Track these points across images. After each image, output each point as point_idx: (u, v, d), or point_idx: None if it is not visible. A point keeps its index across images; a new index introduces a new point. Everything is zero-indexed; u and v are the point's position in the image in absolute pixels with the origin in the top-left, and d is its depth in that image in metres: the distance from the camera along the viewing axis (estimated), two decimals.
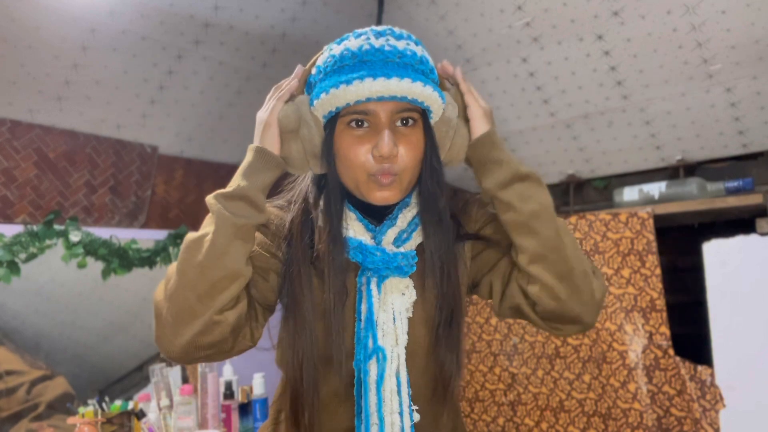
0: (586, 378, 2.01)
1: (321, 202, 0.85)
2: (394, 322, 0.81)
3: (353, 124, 0.78)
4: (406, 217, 0.84)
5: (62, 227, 1.92)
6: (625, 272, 1.96)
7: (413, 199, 0.86)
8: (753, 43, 1.73)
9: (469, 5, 2.06)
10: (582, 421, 2.01)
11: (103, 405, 1.71)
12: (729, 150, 2.00)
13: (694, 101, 1.94)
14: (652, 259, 1.91)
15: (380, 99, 0.75)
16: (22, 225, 1.85)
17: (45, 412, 1.73)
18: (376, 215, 0.85)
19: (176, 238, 2.25)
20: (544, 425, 2.09)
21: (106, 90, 1.92)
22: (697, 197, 1.92)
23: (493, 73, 2.21)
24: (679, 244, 2.16)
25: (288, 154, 0.82)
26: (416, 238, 0.84)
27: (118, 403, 1.72)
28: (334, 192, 0.82)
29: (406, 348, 0.82)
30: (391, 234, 0.83)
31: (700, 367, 1.83)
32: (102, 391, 1.99)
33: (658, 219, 1.95)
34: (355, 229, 0.83)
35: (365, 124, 0.78)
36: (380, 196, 0.79)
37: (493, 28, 2.08)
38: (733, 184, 1.87)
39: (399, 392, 0.81)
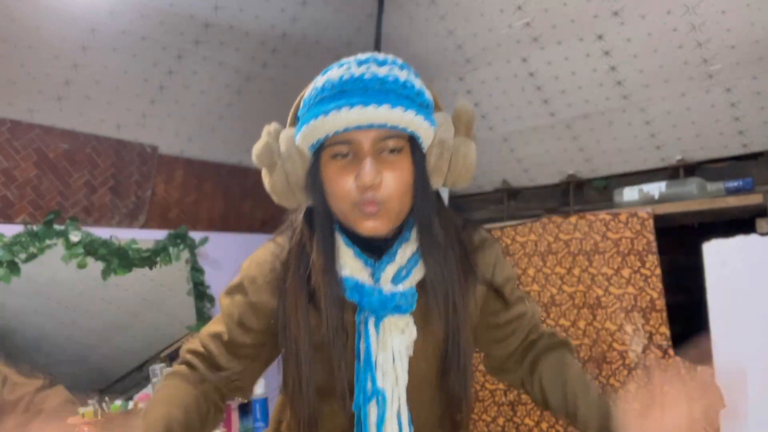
0: None
1: (315, 235, 0.83)
2: (394, 362, 0.80)
3: (337, 154, 0.76)
4: (405, 252, 0.81)
5: (62, 227, 1.92)
6: (625, 272, 1.96)
7: (413, 234, 0.83)
8: (753, 43, 1.73)
9: (469, 5, 2.06)
10: None
11: (103, 405, 1.70)
12: (729, 150, 2.00)
13: (694, 101, 1.94)
14: (652, 259, 1.91)
15: (358, 128, 0.73)
16: (22, 225, 1.85)
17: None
18: (375, 250, 0.82)
19: (176, 238, 2.25)
20: (544, 425, 2.09)
21: (106, 90, 1.92)
22: (697, 197, 1.92)
23: (493, 73, 2.21)
24: (679, 244, 2.16)
25: (272, 186, 0.81)
26: (416, 274, 0.82)
27: (118, 403, 1.72)
28: (324, 225, 0.81)
29: (407, 387, 0.81)
30: (389, 271, 0.80)
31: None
32: (102, 391, 1.99)
33: (658, 219, 1.95)
34: (351, 266, 0.80)
35: (349, 154, 0.76)
36: (368, 227, 0.77)
37: (493, 28, 2.08)
38: (733, 184, 1.87)
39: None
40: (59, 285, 1.93)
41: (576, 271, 2.06)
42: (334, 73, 0.76)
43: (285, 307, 0.82)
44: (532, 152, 2.38)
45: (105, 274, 2.03)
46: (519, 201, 2.54)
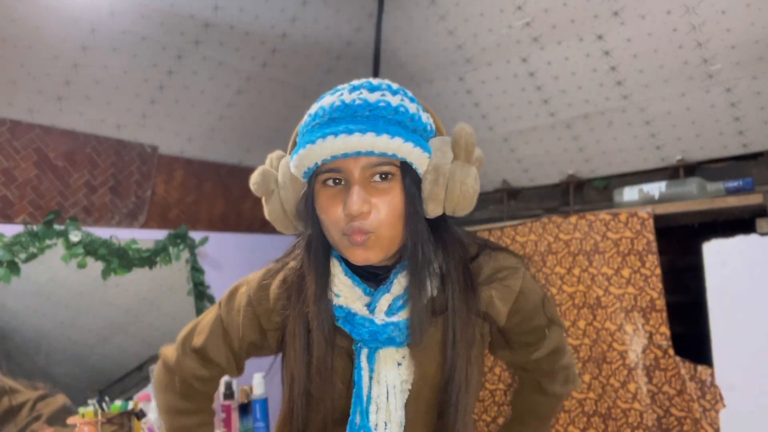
0: (586, 378, 2.01)
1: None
2: (388, 398, 0.78)
3: (328, 182, 0.75)
4: (401, 283, 0.78)
5: (62, 227, 1.92)
6: (625, 272, 1.96)
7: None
8: (753, 43, 1.73)
9: (469, 5, 2.07)
10: (582, 421, 2.01)
11: (103, 405, 1.71)
12: (729, 150, 2.00)
13: (694, 101, 1.94)
14: (652, 259, 1.91)
15: (346, 155, 0.72)
16: (22, 225, 1.85)
17: (39, 427, 1.73)
18: (374, 278, 0.81)
19: (176, 238, 2.25)
20: None
21: (106, 90, 1.92)
22: (697, 197, 1.92)
23: (493, 73, 2.21)
24: (679, 244, 2.16)
25: (269, 214, 0.82)
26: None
27: (118, 403, 1.72)
28: (318, 252, 0.81)
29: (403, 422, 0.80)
30: (384, 302, 0.78)
31: (700, 367, 1.83)
32: (102, 391, 1.99)
33: (658, 219, 1.95)
34: (346, 295, 0.79)
35: (341, 182, 0.75)
36: (359, 256, 0.75)
37: (493, 28, 2.08)
38: (733, 184, 1.87)
39: None
40: (59, 285, 1.93)
41: (576, 271, 2.06)
42: (327, 100, 0.76)
43: (286, 333, 0.84)
44: (532, 152, 2.38)
45: (105, 274, 2.03)
46: (519, 201, 2.54)
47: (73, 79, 1.82)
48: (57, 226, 1.90)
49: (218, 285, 2.36)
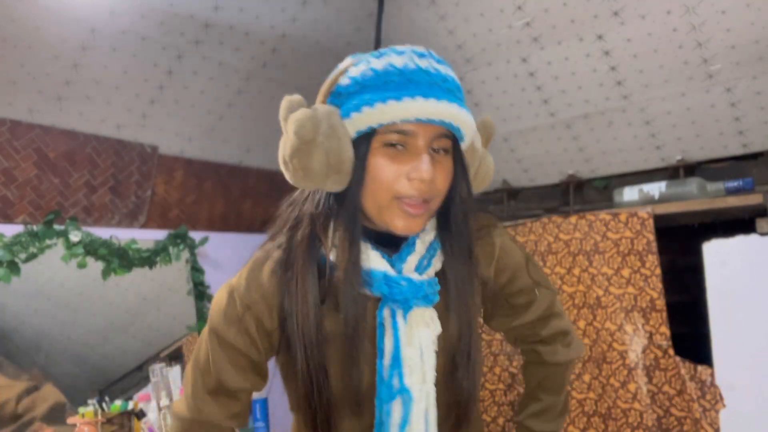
0: (586, 378, 2.01)
1: (332, 226, 0.78)
2: (422, 357, 0.76)
3: (389, 145, 0.73)
4: (424, 242, 0.79)
5: (62, 227, 1.92)
6: (625, 272, 1.96)
7: (429, 226, 0.81)
8: (753, 43, 1.73)
9: (469, 5, 2.06)
10: (582, 421, 2.01)
11: (103, 405, 1.71)
12: (729, 150, 2.00)
13: (694, 101, 1.94)
14: (652, 259, 1.91)
15: (429, 121, 0.71)
16: (22, 225, 1.85)
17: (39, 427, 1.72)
18: (389, 244, 0.79)
19: (176, 238, 2.25)
20: None
21: (106, 90, 1.92)
22: (697, 197, 1.92)
23: (493, 73, 2.21)
24: (679, 244, 2.16)
25: (308, 164, 0.73)
26: (436, 264, 0.80)
27: (118, 403, 1.72)
28: (353, 214, 0.76)
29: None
30: (411, 261, 0.78)
31: (700, 367, 1.83)
32: (102, 391, 1.99)
33: (658, 219, 1.95)
34: (372, 258, 0.77)
35: (400, 147, 0.73)
36: (404, 226, 0.75)
37: (493, 28, 2.08)
38: (733, 184, 1.87)
39: None
40: (59, 285, 1.93)
41: (576, 271, 2.06)
42: (396, 59, 0.72)
43: (295, 310, 0.77)
44: (532, 152, 2.38)
45: (105, 274, 2.03)
46: (519, 201, 2.54)
47: (73, 79, 1.82)
48: (57, 226, 1.90)
49: (218, 285, 2.35)
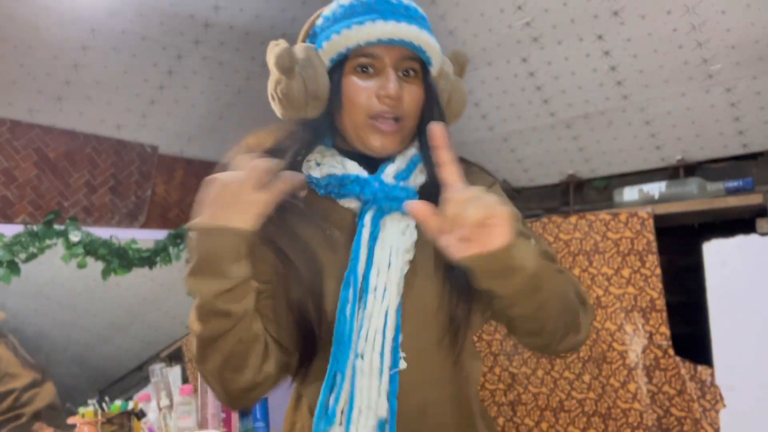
0: (586, 378, 2.01)
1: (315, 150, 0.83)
2: (390, 258, 0.76)
3: (359, 68, 0.79)
4: (405, 156, 0.82)
5: (62, 227, 1.92)
6: (625, 272, 1.96)
7: (410, 147, 0.84)
8: (753, 43, 1.73)
9: (469, 5, 2.06)
10: (582, 421, 2.01)
11: (103, 405, 1.71)
12: (729, 150, 2.00)
13: (694, 101, 1.94)
14: (652, 259, 1.91)
15: (390, 42, 0.76)
16: (22, 225, 1.85)
17: (26, 424, 1.71)
18: (371, 167, 0.82)
19: (176, 238, 2.25)
20: (544, 425, 2.09)
21: (106, 90, 1.92)
22: (697, 197, 1.92)
23: (493, 73, 2.21)
24: (679, 244, 2.16)
25: (289, 92, 0.79)
26: (418, 177, 0.82)
27: (118, 403, 1.72)
28: (329, 128, 0.82)
29: (403, 309, 0.76)
30: (390, 171, 0.80)
31: (700, 367, 1.83)
32: (102, 391, 2.00)
33: (658, 219, 1.95)
34: (348, 166, 0.81)
35: (370, 70, 0.79)
36: (380, 144, 0.79)
37: (493, 28, 2.08)
38: (733, 184, 1.87)
39: (384, 331, 0.74)
40: (59, 285, 1.93)
41: (576, 271, 2.06)
42: None
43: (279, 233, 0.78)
44: (532, 152, 2.38)
45: (105, 274, 2.03)
46: (519, 201, 2.54)
47: (73, 79, 1.82)
48: (57, 226, 1.90)
49: None
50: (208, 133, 2.28)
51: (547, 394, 2.10)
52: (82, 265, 1.96)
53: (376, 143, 0.79)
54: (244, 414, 1.82)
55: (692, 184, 1.94)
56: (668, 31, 1.81)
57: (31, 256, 1.84)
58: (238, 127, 2.33)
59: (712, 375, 1.80)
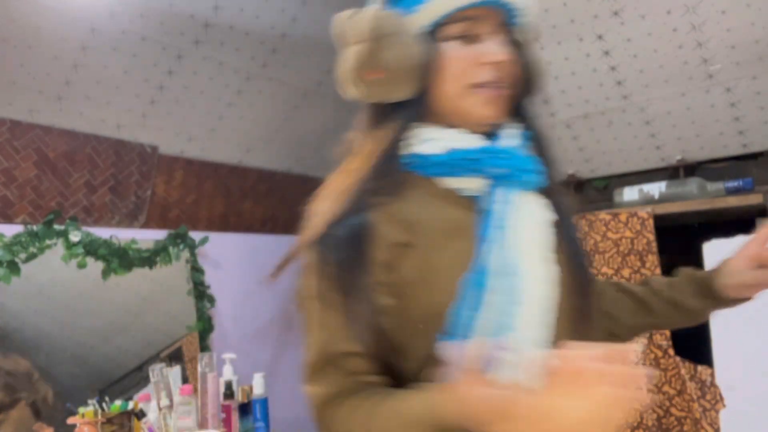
0: None
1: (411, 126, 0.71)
2: (536, 236, 0.68)
3: (459, 34, 0.70)
4: (513, 130, 0.73)
5: (62, 227, 1.92)
6: (625, 272, 1.96)
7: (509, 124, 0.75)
8: (753, 43, 1.73)
9: None
10: None
11: (103, 405, 1.71)
12: (729, 150, 2.00)
13: (694, 101, 1.94)
14: (652, 259, 1.91)
15: (491, 3, 0.69)
16: (22, 225, 1.85)
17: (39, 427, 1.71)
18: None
19: (176, 238, 2.25)
20: None
21: (106, 90, 1.92)
22: (697, 197, 1.92)
23: None
24: (679, 244, 2.16)
25: (388, 63, 0.68)
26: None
27: (118, 403, 1.71)
28: (424, 115, 0.71)
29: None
30: (508, 139, 0.71)
31: (700, 367, 1.83)
32: (102, 391, 1.99)
33: (658, 219, 1.95)
34: (463, 138, 0.70)
35: (466, 37, 0.70)
36: (487, 113, 0.70)
37: None
38: (733, 184, 1.87)
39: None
40: (59, 285, 1.93)
41: None
42: None
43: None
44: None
45: (105, 274, 2.03)
46: None
47: (73, 79, 1.82)
48: (57, 226, 1.90)
49: (218, 285, 2.36)
50: (209, 133, 2.28)
51: None
52: (82, 265, 1.96)
53: (483, 111, 0.70)
54: (244, 414, 1.82)
55: (692, 184, 1.94)
56: (668, 31, 1.81)
57: (31, 256, 1.84)
58: (238, 127, 2.33)
59: (712, 375, 1.80)
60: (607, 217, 2.01)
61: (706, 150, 2.04)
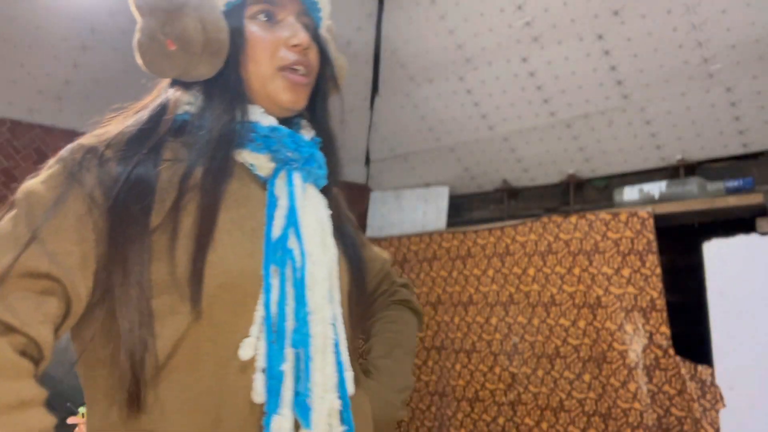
0: (586, 378, 2.02)
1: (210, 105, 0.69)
2: (320, 224, 0.68)
3: (262, 14, 0.70)
4: (309, 133, 0.74)
5: None
6: (626, 272, 1.96)
7: (303, 123, 0.75)
8: (753, 43, 1.73)
9: (469, 5, 2.06)
10: (582, 421, 2.01)
11: None
12: (729, 150, 2.00)
13: (694, 101, 1.94)
14: (653, 259, 1.91)
15: None
16: None
17: None
18: None
19: None
20: (544, 425, 2.09)
21: (106, 90, 1.92)
22: (697, 197, 1.92)
23: (493, 73, 2.21)
24: (679, 244, 2.16)
25: (183, 32, 0.66)
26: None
27: None
28: (238, 86, 0.69)
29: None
30: (305, 134, 0.72)
31: (700, 367, 1.83)
32: None
33: (658, 219, 1.95)
34: (258, 114, 0.70)
35: (273, 19, 0.70)
36: (292, 98, 0.69)
37: (493, 28, 2.08)
38: (733, 183, 1.87)
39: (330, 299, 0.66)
40: None
41: (576, 271, 2.06)
42: None
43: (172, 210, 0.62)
44: (532, 152, 2.38)
45: None
46: (519, 201, 2.54)
47: (73, 79, 1.82)
48: None
49: None
50: None
51: (548, 393, 2.10)
52: None
53: (288, 96, 0.69)
54: None
55: (692, 184, 1.94)
56: (668, 30, 1.81)
57: None
58: None
59: (712, 375, 1.80)
60: (608, 217, 2.01)
61: (706, 150, 2.04)
